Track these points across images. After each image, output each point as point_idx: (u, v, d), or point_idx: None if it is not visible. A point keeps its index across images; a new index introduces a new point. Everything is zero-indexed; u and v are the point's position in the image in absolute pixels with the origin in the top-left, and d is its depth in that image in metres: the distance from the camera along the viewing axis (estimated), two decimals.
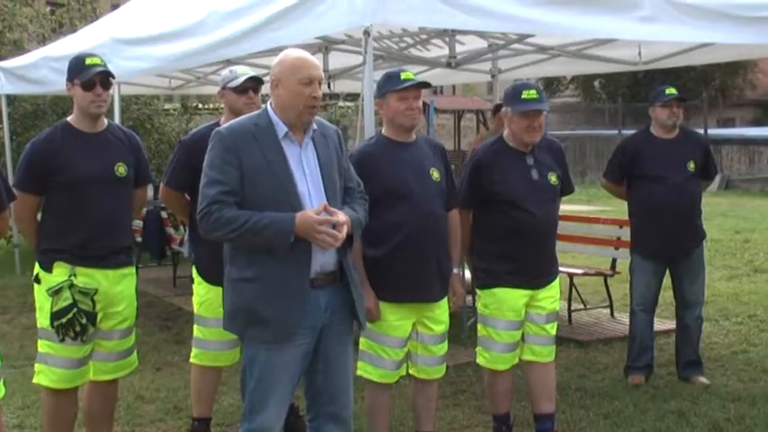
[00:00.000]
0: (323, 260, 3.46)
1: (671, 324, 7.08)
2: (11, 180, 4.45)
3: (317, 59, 3.54)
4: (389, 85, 4.13)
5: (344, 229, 3.38)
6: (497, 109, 8.86)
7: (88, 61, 4.19)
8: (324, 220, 3.32)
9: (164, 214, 9.42)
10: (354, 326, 3.69)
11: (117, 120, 8.08)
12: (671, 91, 5.74)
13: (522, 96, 4.38)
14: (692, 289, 5.86)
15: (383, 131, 4.27)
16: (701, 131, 25.05)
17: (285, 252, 3.34)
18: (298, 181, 3.43)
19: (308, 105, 3.43)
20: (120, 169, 4.23)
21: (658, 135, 5.79)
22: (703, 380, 5.80)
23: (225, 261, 3.55)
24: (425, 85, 4.23)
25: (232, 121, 3.60)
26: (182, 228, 9.16)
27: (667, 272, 5.90)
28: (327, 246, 3.36)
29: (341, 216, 3.40)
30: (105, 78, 4.18)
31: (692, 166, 5.71)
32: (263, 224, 3.32)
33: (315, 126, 3.53)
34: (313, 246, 3.40)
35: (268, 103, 3.55)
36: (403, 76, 4.11)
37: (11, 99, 11.05)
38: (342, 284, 3.55)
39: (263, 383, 3.47)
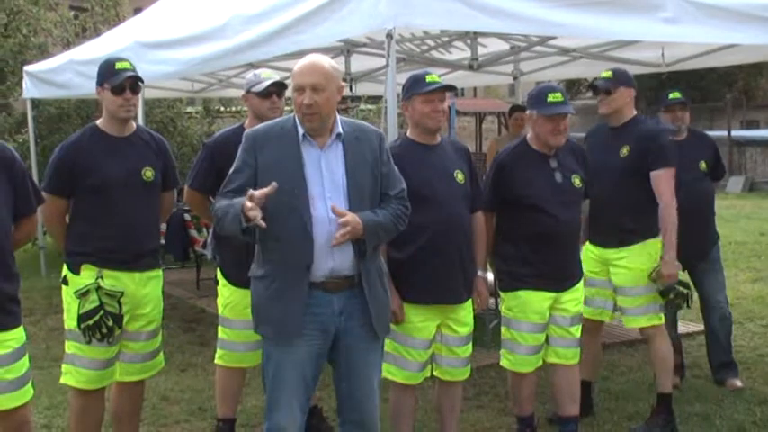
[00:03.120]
0: (334, 264, 3.47)
1: (694, 326, 7.06)
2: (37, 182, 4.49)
3: (320, 64, 3.48)
4: (415, 87, 4.14)
5: (344, 230, 3.33)
6: (514, 111, 8.87)
7: (118, 66, 4.23)
8: (250, 206, 3.23)
9: (187, 216, 9.47)
10: None
11: (140, 123, 8.14)
12: (674, 95, 5.74)
13: (548, 99, 4.37)
14: (711, 289, 5.85)
15: (408, 133, 4.28)
16: (725, 133, 24.91)
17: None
18: (310, 182, 3.45)
19: (301, 112, 3.47)
20: (148, 173, 4.27)
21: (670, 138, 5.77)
22: (737, 382, 5.77)
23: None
24: (450, 88, 4.23)
25: (262, 123, 3.68)
26: (204, 230, 9.22)
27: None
28: (262, 224, 3.26)
29: (346, 218, 3.35)
30: (135, 83, 4.22)
31: (703, 165, 5.72)
32: (224, 210, 3.43)
33: (341, 130, 3.54)
34: (322, 249, 3.42)
35: None
36: (428, 78, 4.12)
37: (36, 103, 11.15)
38: (359, 289, 3.54)
39: (276, 382, 3.54)
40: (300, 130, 3.51)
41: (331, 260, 3.46)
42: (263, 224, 3.25)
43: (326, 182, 3.48)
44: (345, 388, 3.63)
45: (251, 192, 3.28)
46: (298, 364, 3.51)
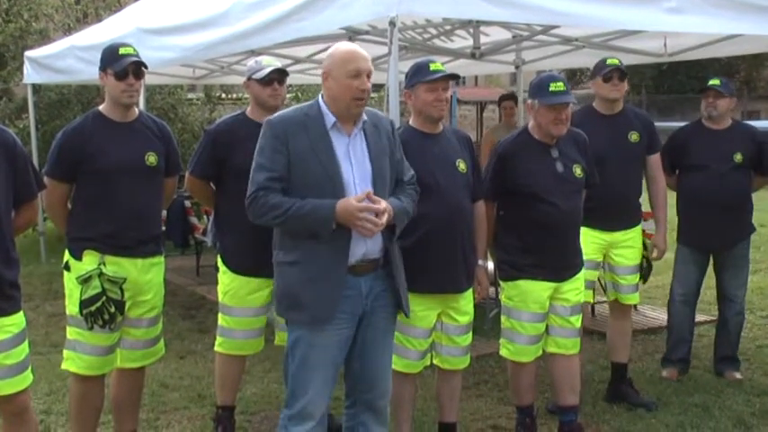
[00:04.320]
0: (366, 248, 3.52)
1: (700, 317, 7.04)
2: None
3: (365, 53, 3.56)
4: (418, 76, 4.12)
5: (384, 218, 3.42)
6: (503, 99, 8.89)
7: (122, 51, 4.21)
8: (365, 207, 3.37)
9: (187, 203, 9.48)
10: None
11: (141, 109, 8.12)
12: (713, 82, 5.70)
13: (550, 89, 4.35)
14: (733, 283, 5.82)
15: (411, 122, 4.27)
16: None
17: (328, 237, 3.40)
18: (343, 170, 3.48)
19: (355, 98, 3.47)
20: (151, 158, 4.26)
21: (708, 126, 5.74)
22: (736, 375, 5.77)
23: (273, 245, 3.63)
24: (454, 76, 4.22)
25: (283, 111, 3.67)
26: (205, 217, 9.22)
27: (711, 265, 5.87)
28: (367, 233, 3.41)
29: (382, 204, 3.43)
30: (138, 68, 4.21)
31: (738, 157, 5.58)
32: (306, 210, 3.39)
33: (365, 117, 3.57)
34: (356, 234, 3.44)
35: (320, 94, 3.60)
36: (432, 67, 4.10)
37: (36, 88, 11.13)
38: (384, 271, 3.61)
39: (305, 367, 3.52)
40: (331, 119, 3.51)
41: (364, 245, 3.51)
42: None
43: (355, 169, 3.52)
44: (359, 368, 3.65)
45: (364, 204, 3.37)
46: (329, 349, 3.53)
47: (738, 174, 5.64)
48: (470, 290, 4.34)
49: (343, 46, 3.59)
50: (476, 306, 4.45)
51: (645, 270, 5.47)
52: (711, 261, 5.85)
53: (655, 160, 5.34)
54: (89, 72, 7.51)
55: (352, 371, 3.68)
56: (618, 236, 5.20)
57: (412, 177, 3.80)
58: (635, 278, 5.31)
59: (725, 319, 5.88)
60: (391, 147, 3.67)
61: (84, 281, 4.08)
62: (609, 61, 5.21)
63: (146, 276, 4.26)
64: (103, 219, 4.15)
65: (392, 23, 4.53)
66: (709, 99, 5.68)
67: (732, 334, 5.88)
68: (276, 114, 3.62)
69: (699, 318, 6.95)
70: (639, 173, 5.31)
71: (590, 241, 4.96)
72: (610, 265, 5.28)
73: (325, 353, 3.52)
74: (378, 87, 14.52)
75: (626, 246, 5.23)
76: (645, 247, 5.41)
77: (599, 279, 5.38)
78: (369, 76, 3.51)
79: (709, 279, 5.98)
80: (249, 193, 3.48)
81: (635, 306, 7.67)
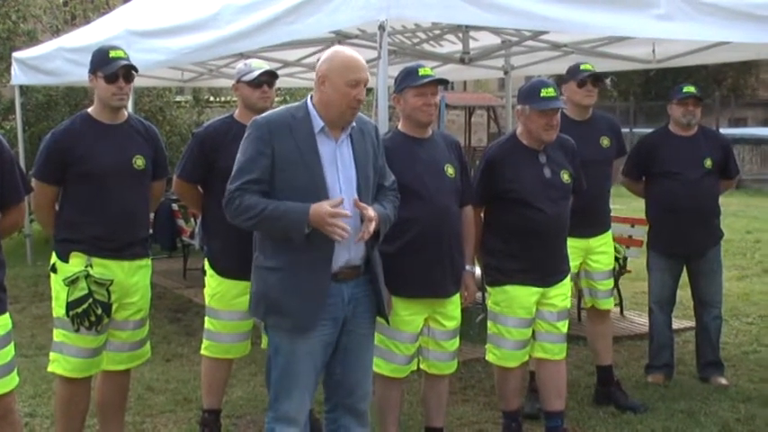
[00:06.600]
0: (349, 255, 3.50)
1: (684, 323, 7.07)
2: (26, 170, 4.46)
3: (364, 60, 3.54)
4: (407, 80, 4.12)
5: (372, 225, 3.41)
6: None
7: (112, 54, 4.21)
8: (335, 212, 3.33)
9: (174, 206, 9.45)
10: None
11: (130, 111, 8.09)
12: (689, 89, 5.72)
13: (541, 94, 4.37)
14: (709, 289, 5.84)
15: (399, 127, 4.27)
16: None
17: (303, 242, 3.37)
18: (328, 175, 3.46)
19: (351, 106, 3.46)
20: (139, 161, 4.25)
21: (676, 132, 5.78)
22: (722, 380, 5.78)
23: (254, 247, 3.61)
24: (443, 81, 4.23)
25: (270, 111, 3.64)
26: (192, 220, 9.19)
27: (685, 271, 5.89)
28: (337, 239, 3.36)
29: (370, 211, 3.42)
30: (128, 71, 4.20)
31: (708, 163, 5.66)
32: (279, 213, 3.36)
33: (353, 123, 3.55)
34: (340, 241, 3.42)
35: (309, 96, 3.57)
36: (421, 72, 4.10)
37: (24, 89, 11.08)
38: (365, 278, 3.60)
39: (287, 372, 3.51)
40: (319, 123, 3.49)
41: (347, 251, 3.50)
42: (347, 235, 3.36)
43: (341, 175, 3.50)
44: (340, 372, 3.64)
45: (335, 210, 3.31)
46: (310, 355, 3.52)
47: (709, 179, 5.72)
48: (458, 295, 4.34)
49: (345, 52, 3.56)
50: (462, 311, 4.45)
51: (616, 274, 5.62)
52: (685, 268, 5.87)
53: (619, 163, 5.61)
54: (77, 74, 7.49)
55: (334, 376, 3.67)
56: (592, 242, 5.26)
57: (393, 183, 3.78)
58: (610, 283, 5.41)
59: (705, 325, 5.90)
60: (375, 152, 3.66)
61: (71, 282, 4.07)
62: (583, 66, 5.24)
63: (132, 279, 4.25)
64: (90, 221, 4.14)
65: (382, 28, 4.53)
66: (689, 107, 5.71)
67: (713, 339, 5.91)
68: (264, 115, 3.59)
69: (684, 324, 7.01)
70: (610, 178, 5.42)
71: (569, 251, 4.95)
72: (587, 271, 5.32)
73: (307, 359, 3.51)
74: (366, 91, 14.55)
75: (600, 251, 5.30)
76: (616, 250, 5.57)
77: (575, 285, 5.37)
78: (365, 86, 3.51)
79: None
80: (226, 193, 3.46)
81: (621, 312, 7.75)
